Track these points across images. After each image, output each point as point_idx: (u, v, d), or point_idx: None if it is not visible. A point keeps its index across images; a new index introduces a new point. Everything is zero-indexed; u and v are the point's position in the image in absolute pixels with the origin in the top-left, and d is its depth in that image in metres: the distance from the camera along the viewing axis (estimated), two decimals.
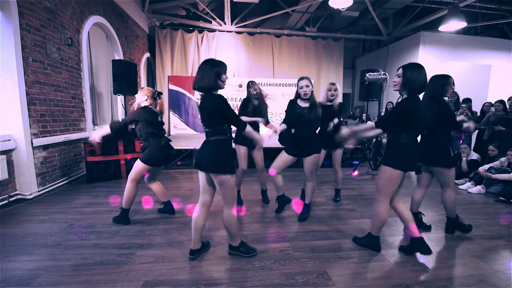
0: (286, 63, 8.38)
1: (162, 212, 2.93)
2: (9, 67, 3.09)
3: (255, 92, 3.00)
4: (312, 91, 2.61)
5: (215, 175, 1.88)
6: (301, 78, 2.65)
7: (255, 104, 3.01)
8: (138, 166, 2.62)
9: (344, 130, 2.26)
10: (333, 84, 3.10)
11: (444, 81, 2.38)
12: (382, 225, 2.16)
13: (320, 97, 3.17)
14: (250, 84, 3.02)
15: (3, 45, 3.04)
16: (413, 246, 2.12)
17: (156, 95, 2.71)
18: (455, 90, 5.14)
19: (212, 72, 1.82)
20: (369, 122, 2.11)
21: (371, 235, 2.21)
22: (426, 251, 2.04)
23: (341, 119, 3.21)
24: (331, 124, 2.98)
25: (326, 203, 3.36)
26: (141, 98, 2.62)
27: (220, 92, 1.93)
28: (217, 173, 1.87)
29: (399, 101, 2.06)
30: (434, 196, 3.60)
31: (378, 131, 2.14)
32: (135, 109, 2.62)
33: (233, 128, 1.99)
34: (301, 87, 2.59)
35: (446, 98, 2.46)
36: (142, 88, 2.75)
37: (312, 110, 2.59)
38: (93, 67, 5.02)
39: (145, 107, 2.62)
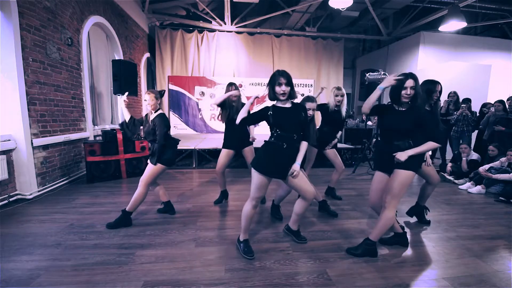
0: (286, 63, 8.38)
1: (162, 212, 2.93)
2: (9, 67, 3.09)
3: (234, 98, 2.99)
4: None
5: None
6: (310, 99, 2.60)
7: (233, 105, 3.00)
8: (155, 169, 2.58)
9: (400, 156, 1.93)
10: (339, 89, 3.11)
11: (431, 86, 2.44)
12: None
13: (323, 100, 3.20)
14: (229, 88, 2.98)
15: (3, 45, 3.04)
16: (395, 239, 2.31)
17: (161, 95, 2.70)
18: (455, 91, 5.18)
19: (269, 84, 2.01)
20: (429, 143, 1.95)
21: (370, 242, 2.12)
22: (405, 244, 2.30)
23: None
24: (335, 141, 3.16)
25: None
26: (155, 102, 2.59)
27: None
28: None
29: (418, 110, 1.99)
30: (436, 196, 3.60)
31: (437, 145, 1.99)
32: (155, 113, 2.59)
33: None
34: (309, 109, 2.51)
35: (442, 101, 2.51)
36: (151, 91, 2.63)
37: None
38: (93, 67, 5.01)
39: (162, 112, 2.62)
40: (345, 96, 3.14)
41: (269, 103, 2.09)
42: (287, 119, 1.99)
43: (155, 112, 2.62)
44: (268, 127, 2.07)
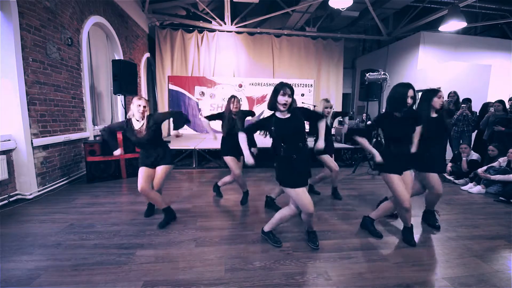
0: (286, 63, 8.38)
1: (165, 224, 2.62)
2: (9, 67, 3.09)
3: (235, 110, 3.03)
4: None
5: None
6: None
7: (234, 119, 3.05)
8: (168, 171, 2.68)
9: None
10: (328, 101, 3.29)
11: (431, 95, 2.52)
12: None
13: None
14: (233, 100, 3.01)
15: (3, 45, 3.04)
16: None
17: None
18: (455, 91, 5.18)
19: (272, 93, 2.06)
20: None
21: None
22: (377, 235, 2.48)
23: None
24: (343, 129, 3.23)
25: (326, 203, 3.36)
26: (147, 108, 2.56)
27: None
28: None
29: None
30: None
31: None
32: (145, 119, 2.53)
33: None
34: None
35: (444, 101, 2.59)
36: (144, 97, 2.61)
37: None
38: (93, 67, 5.01)
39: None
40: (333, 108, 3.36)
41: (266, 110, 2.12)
42: (289, 130, 2.03)
43: (142, 119, 2.49)
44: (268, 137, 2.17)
